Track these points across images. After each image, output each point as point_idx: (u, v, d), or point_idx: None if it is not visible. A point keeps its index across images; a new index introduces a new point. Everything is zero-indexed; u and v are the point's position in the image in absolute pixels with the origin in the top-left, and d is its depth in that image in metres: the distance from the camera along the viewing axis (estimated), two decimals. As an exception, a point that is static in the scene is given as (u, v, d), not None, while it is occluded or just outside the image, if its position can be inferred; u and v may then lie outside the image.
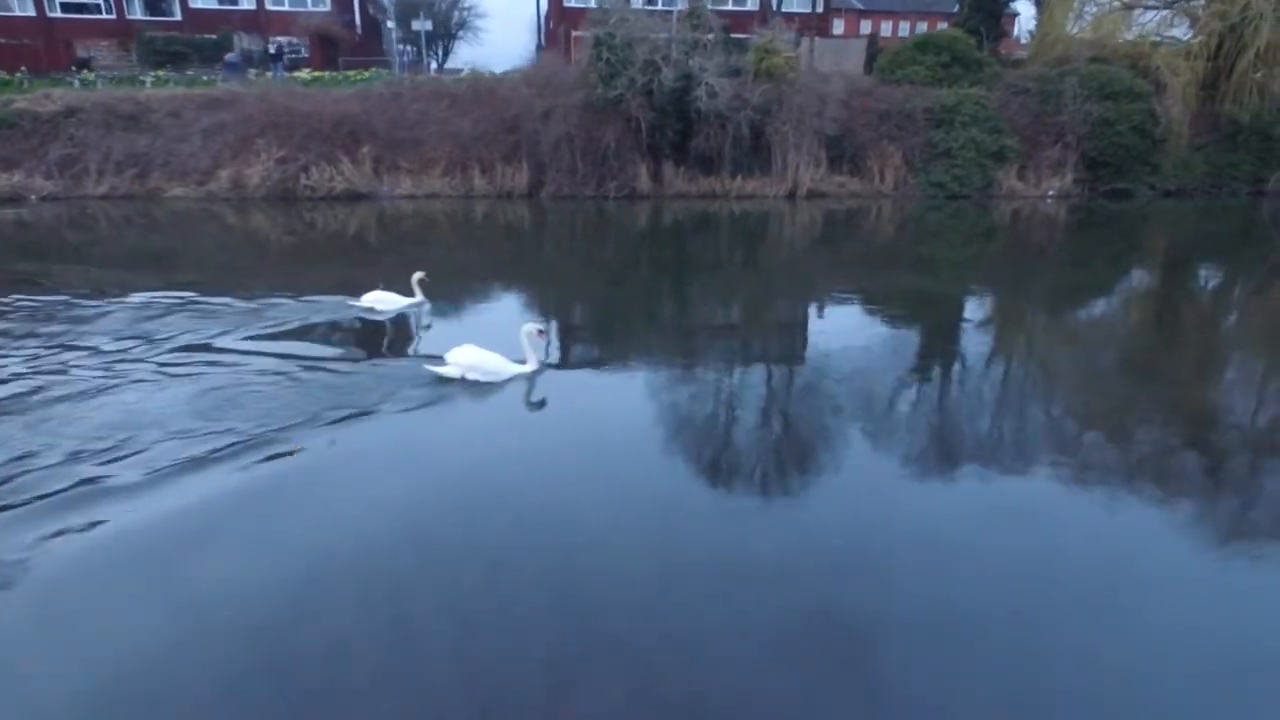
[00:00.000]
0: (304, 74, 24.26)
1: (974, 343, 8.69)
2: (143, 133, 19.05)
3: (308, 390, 6.32)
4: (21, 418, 5.71)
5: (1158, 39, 22.43)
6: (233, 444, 5.30)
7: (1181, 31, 22.87)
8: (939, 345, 8.56)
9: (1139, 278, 13.49)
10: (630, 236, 16.21)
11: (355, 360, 7.20)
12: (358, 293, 8.98)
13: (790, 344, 8.52)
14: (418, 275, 8.95)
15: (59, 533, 4.29)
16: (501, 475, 5.13)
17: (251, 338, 7.78)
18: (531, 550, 4.22)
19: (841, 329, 9.07)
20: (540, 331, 6.80)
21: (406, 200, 18.90)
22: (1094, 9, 23.00)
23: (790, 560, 4.19)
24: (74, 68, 25.48)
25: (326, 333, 8.18)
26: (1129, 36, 22.53)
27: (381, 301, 8.80)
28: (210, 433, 5.46)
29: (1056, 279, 12.77)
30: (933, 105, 20.20)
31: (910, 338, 8.86)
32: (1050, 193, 20.88)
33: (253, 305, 8.99)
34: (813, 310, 10.53)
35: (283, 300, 9.21)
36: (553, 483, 5.02)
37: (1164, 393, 7.22)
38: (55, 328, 8.06)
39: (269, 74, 23.93)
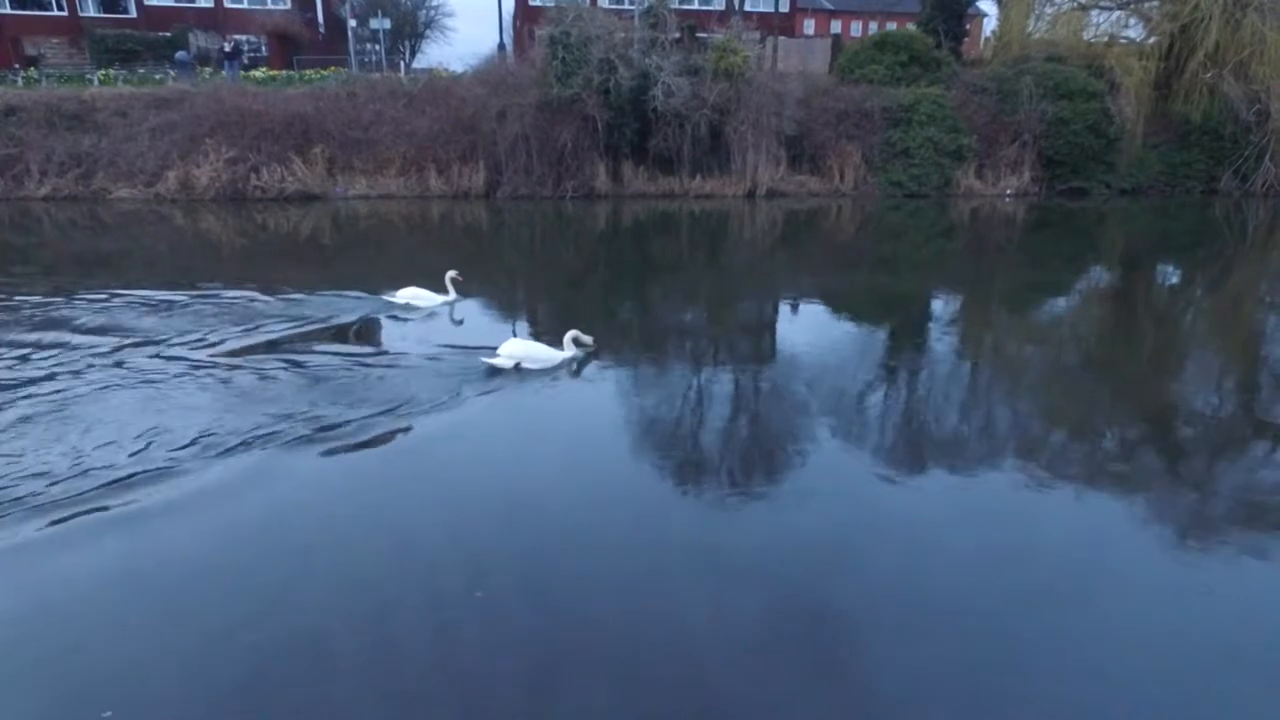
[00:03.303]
0: (258, 73, 23.79)
1: (939, 342, 8.76)
2: (87, 132, 18.56)
3: (316, 389, 6.36)
4: (63, 413, 5.79)
5: (1111, 39, 22.69)
6: (254, 439, 5.35)
7: (1136, 32, 23.21)
8: (906, 345, 8.60)
9: (1098, 276, 13.62)
10: (591, 237, 16.08)
11: (390, 356, 7.34)
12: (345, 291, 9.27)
13: (760, 344, 8.54)
14: (451, 273, 9.15)
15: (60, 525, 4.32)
16: (479, 475, 5.14)
17: (283, 337, 7.88)
18: (510, 550, 4.23)
19: (808, 329, 9.15)
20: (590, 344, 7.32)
21: (361, 201, 18.60)
22: (1051, 9, 23.24)
23: (769, 558, 4.24)
24: (17, 65, 24.78)
25: (362, 330, 8.30)
26: (1086, 37, 22.78)
27: (418, 298, 9.01)
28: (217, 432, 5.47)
29: (1017, 278, 12.88)
30: (891, 104, 20.26)
31: (877, 337, 8.96)
32: (1008, 192, 21.04)
33: (284, 303, 9.13)
34: (779, 310, 10.52)
35: (315, 297, 9.32)
36: (530, 483, 5.03)
37: (1128, 390, 7.36)
38: (90, 325, 8.14)
39: (223, 73, 23.41)
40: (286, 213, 17.18)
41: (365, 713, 3.09)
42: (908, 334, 9.06)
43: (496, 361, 6.85)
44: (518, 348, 6.96)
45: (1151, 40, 22.28)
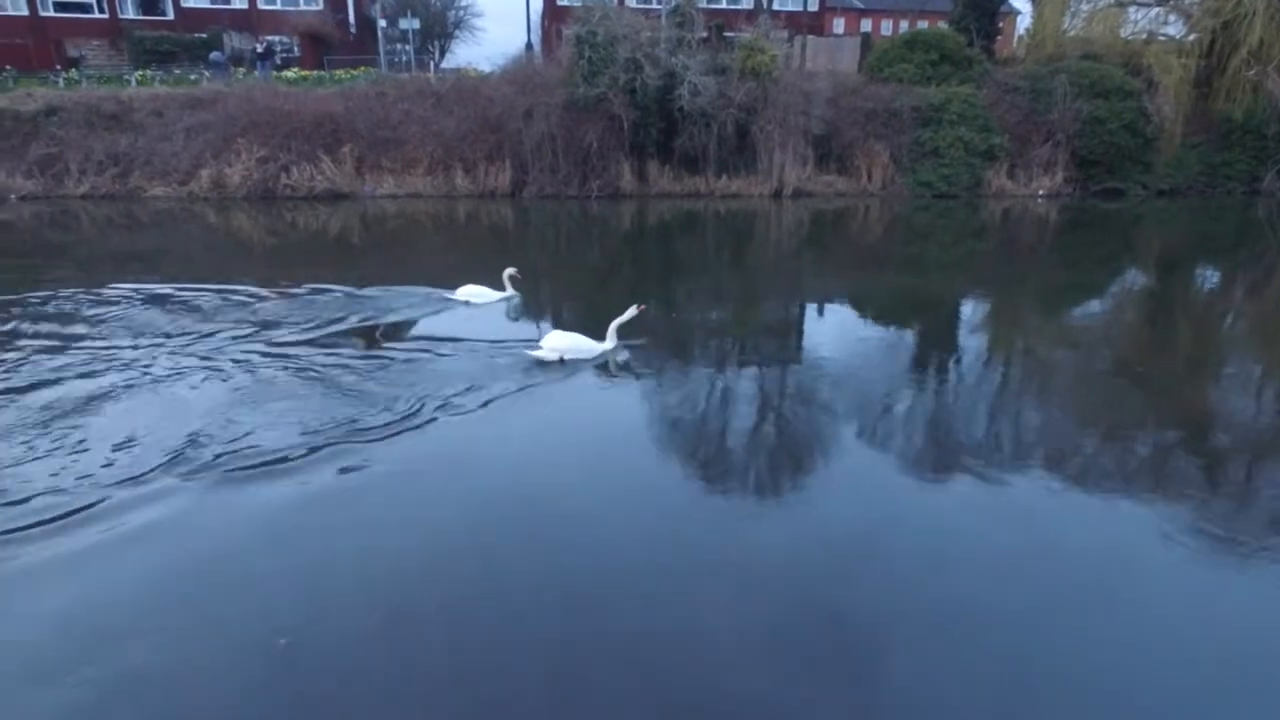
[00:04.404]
0: (290, 73, 24.15)
1: (967, 344, 8.63)
2: (124, 132, 18.96)
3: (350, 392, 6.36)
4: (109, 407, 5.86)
5: (1149, 36, 22.15)
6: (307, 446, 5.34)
7: (1175, 29, 22.62)
8: (934, 347, 8.46)
9: (1132, 278, 13.28)
10: (617, 237, 16.06)
11: (436, 350, 7.42)
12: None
13: (786, 345, 8.47)
14: (509, 271, 9.31)
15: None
16: (503, 474, 5.13)
17: (344, 332, 8.03)
18: (533, 548, 4.24)
19: (835, 330, 9.08)
20: (640, 306, 7.44)
21: (388, 200, 18.79)
22: (1087, 6, 22.74)
23: (792, 558, 4.21)
24: (59, 67, 25.42)
25: (425, 325, 8.40)
26: (1123, 34, 22.27)
27: (477, 295, 9.17)
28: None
29: (1048, 280, 12.60)
30: (920, 103, 19.97)
31: (904, 339, 8.82)
32: (1040, 192, 20.64)
33: (355, 298, 9.36)
34: (806, 311, 10.43)
35: (378, 293, 9.50)
36: (554, 481, 5.03)
37: (1159, 394, 7.18)
38: (147, 320, 8.32)
39: (255, 73, 23.81)
40: (315, 211, 17.41)
41: (385, 706, 3.10)
42: (936, 336, 8.92)
43: (540, 354, 6.94)
44: (561, 340, 7.05)
45: (1192, 37, 21.69)
